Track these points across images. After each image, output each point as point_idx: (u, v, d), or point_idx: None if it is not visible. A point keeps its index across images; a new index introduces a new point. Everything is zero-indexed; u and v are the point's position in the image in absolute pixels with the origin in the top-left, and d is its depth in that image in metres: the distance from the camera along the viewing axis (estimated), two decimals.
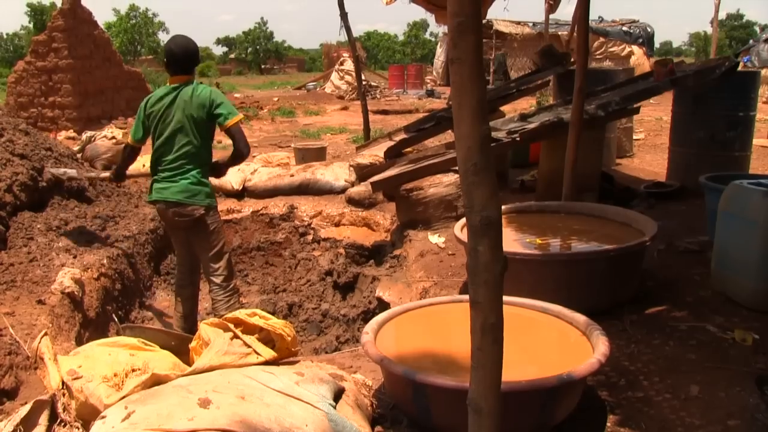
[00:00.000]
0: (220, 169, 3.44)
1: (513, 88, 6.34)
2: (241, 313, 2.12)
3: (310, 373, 1.92)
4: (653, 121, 10.15)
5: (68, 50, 11.91)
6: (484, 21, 8.39)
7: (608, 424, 2.00)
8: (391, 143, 5.72)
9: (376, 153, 6.05)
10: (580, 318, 2.19)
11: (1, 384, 2.40)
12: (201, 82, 3.27)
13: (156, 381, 1.80)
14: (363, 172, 5.68)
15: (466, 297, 1.27)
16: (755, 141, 5.67)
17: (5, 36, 49.40)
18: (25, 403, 1.86)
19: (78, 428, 1.77)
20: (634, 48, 17.91)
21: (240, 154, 3.23)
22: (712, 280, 3.04)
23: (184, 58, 3.22)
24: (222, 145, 9.93)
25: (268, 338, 2.07)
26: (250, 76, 46.24)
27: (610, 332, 2.35)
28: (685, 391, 2.14)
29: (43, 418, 1.75)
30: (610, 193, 4.66)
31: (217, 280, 3.34)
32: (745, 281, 2.79)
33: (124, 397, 1.72)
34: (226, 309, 3.24)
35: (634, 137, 8.00)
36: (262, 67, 55.92)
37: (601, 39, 17.73)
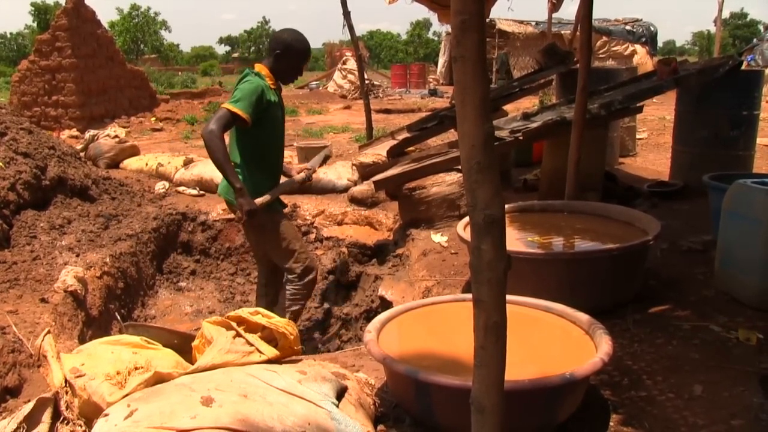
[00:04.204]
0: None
1: (516, 87, 6.33)
2: (243, 312, 2.12)
3: (313, 372, 1.92)
4: (656, 120, 10.13)
5: (71, 49, 11.95)
6: (487, 20, 8.38)
7: (611, 424, 1.99)
8: (394, 142, 5.71)
9: (378, 152, 6.05)
10: (583, 317, 2.18)
11: (4, 382, 2.41)
12: (257, 72, 3.07)
13: (159, 379, 1.80)
14: (366, 171, 5.68)
15: (469, 296, 1.27)
16: (759, 140, 5.65)
17: (9, 35, 49.59)
18: (29, 400, 1.87)
19: (81, 426, 1.77)
20: (637, 47, 17.89)
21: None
22: (715, 280, 3.03)
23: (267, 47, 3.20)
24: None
25: (270, 337, 2.06)
26: None
27: (614, 331, 2.35)
28: (688, 390, 2.14)
29: (46, 416, 1.76)
30: (614, 192, 4.65)
31: (289, 275, 3.32)
32: (749, 280, 2.78)
33: (126, 395, 1.72)
34: (290, 302, 3.26)
35: (637, 136, 7.98)
36: None
37: (604, 38, 17.71)
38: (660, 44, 29.90)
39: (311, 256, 3.38)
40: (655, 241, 2.87)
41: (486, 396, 1.27)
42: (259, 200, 3.07)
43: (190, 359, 2.12)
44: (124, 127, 10.62)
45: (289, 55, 3.08)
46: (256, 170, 3.14)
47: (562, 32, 16.23)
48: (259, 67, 3.12)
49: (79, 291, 3.29)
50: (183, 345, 2.23)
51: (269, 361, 1.98)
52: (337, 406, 1.80)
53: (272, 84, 3.12)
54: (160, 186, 6.11)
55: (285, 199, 5.68)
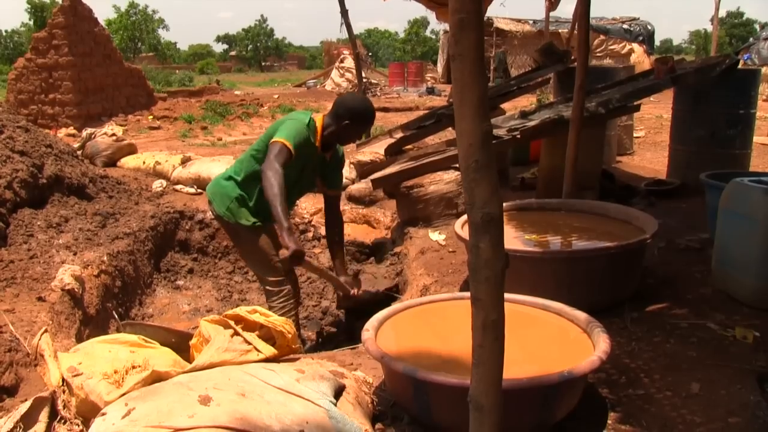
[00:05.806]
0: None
1: (513, 86, 6.34)
2: (241, 310, 2.11)
3: (311, 371, 1.92)
4: (653, 119, 10.15)
5: (68, 47, 11.91)
6: (484, 18, 8.36)
7: (609, 422, 2.00)
8: (392, 140, 5.72)
9: (376, 150, 6.06)
10: (581, 315, 2.19)
11: (1, 381, 2.40)
12: (312, 122, 3.13)
13: (156, 378, 1.79)
14: (363, 170, 5.69)
15: (467, 294, 1.27)
16: (755, 139, 5.67)
17: (5, 33, 49.35)
18: (25, 400, 1.86)
19: (78, 425, 1.77)
20: (635, 46, 17.94)
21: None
22: (712, 278, 3.03)
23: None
24: (222, 142, 9.94)
25: (268, 335, 2.06)
26: (251, 73, 46.26)
27: (611, 330, 2.35)
28: (685, 388, 2.14)
29: (43, 415, 1.75)
30: (611, 190, 4.66)
31: (266, 286, 3.30)
32: (746, 279, 2.79)
33: (124, 394, 1.72)
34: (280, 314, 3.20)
35: (635, 135, 7.99)
36: (263, 64, 55.98)
37: (602, 37, 17.75)
38: (657, 43, 29.93)
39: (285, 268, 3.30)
40: (653, 240, 2.88)
41: (484, 394, 1.27)
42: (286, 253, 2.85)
43: (188, 358, 2.12)
44: (122, 126, 10.60)
45: (356, 122, 3.16)
46: (247, 199, 3.18)
47: (560, 31, 16.25)
48: (318, 120, 3.13)
49: (76, 289, 3.29)
50: (181, 344, 2.23)
51: (267, 360, 1.98)
52: (335, 405, 1.80)
53: (317, 143, 3.13)
54: (158, 184, 6.10)
55: None
